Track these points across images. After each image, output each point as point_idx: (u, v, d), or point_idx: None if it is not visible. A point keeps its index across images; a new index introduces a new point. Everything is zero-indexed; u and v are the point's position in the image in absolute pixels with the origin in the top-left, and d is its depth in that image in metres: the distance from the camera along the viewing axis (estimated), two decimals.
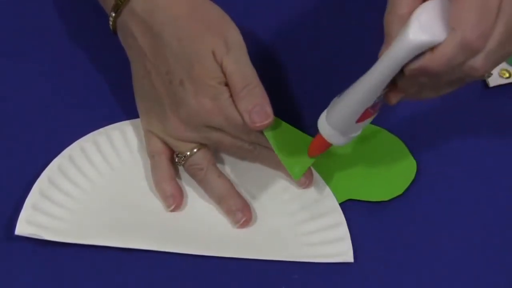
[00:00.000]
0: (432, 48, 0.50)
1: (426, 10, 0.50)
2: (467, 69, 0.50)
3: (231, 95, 0.59)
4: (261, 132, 0.60)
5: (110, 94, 0.68)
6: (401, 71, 0.52)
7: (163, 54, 0.60)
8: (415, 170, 0.65)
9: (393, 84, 0.53)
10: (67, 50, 0.70)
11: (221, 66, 0.59)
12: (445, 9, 0.50)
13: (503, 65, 0.70)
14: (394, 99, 0.55)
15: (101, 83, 0.68)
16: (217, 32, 0.59)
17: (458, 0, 0.49)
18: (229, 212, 0.62)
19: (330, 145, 0.58)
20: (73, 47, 0.70)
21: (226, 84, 0.59)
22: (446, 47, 0.49)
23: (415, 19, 0.49)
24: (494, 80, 0.70)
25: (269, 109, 0.59)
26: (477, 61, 0.50)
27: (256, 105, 0.58)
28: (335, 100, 0.56)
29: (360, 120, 0.55)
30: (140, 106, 0.64)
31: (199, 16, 0.60)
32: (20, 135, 0.65)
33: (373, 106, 0.54)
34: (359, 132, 0.58)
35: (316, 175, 0.64)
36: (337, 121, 0.56)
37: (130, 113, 0.65)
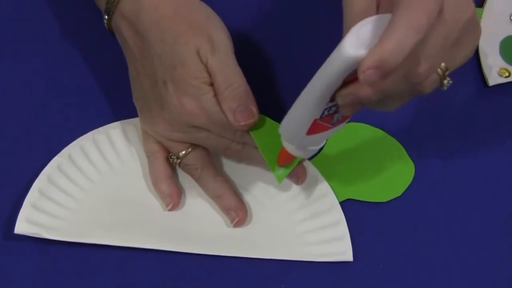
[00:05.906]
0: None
1: (366, 24, 0.46)
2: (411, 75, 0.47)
3: (215, 95, 0.58)
4: (247, 131, 0.59)
5: (110, 93, 0.67)
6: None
7: (149, 55, 0.59)
8: (413, 173, 0.65)
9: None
10: (67, 49, 0.69)
11: (206, 66, 0.58)
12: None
13: (503, 64, 0.70)
14: (347, 109, 0.50)
15: (101, 82, 0.68)
16: (202, 32, 0.59)
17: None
18: (225, 211, 0.63)
19: (293, 156, 0.57)
20: (72, 46, 0.70)
21: (212, 84, 0.58)
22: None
23: (354, 33, 0.46)
24: (494, 79, 0.70)
25: (254, 108, 0.58)
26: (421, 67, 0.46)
27: (240, 105, 0.58)
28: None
29: (311, 132, 0.53)
30: (136, 106, 0.64)
31: (184, 16, 0.59)
32: (20, 134, 0.65)
33: (322, 118, 0.52)
34: (320, 145, 0.56)
35: (316, 173, 0.64)
36: (287, 132, 0.54)
37: (130, 112, 0.65)
